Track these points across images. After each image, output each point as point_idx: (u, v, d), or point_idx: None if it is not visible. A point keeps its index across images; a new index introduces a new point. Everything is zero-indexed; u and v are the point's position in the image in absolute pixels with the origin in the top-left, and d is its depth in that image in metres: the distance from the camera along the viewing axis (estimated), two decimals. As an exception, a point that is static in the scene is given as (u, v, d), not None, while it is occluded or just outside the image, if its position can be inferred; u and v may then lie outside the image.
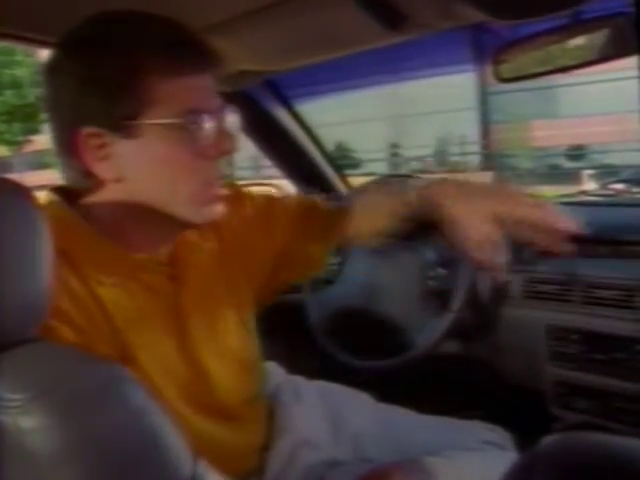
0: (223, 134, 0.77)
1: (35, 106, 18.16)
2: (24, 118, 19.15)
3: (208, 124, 0.75)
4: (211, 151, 0.76)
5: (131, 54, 0.72)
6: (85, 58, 0.73)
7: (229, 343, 0.91)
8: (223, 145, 0.77)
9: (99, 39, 0.73)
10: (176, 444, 0.53)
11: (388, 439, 1.10)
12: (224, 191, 0.82)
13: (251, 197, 1.03)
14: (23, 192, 0.56)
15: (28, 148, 20.60)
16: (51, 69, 0.76)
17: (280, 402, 1.10)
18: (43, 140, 18.50)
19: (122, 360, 0.74)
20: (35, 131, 19.57)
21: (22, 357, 0.53)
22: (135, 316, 0.78)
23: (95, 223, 0.78)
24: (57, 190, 0.81)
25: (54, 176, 0.84)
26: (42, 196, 0.76)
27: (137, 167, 0.75)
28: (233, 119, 0.81)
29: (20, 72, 18.42)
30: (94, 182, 0.76)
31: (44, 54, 1.03)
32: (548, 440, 0.39)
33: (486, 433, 1.10)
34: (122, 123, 0.72)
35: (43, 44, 1.13)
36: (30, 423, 0.48)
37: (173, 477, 0.50)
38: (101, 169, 0.74)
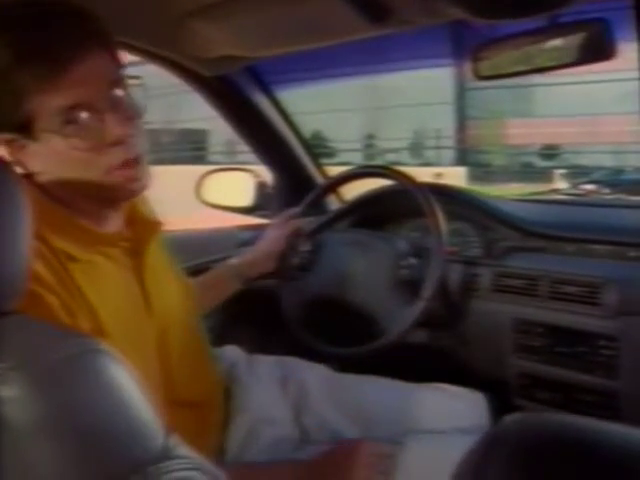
0: (113, 120, 0.78)
1: None
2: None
3: (87, 116, 0.76)
4: (105, 140, 0.78)
5: (5, 74, 0.73)
6: None
7: (184, 315, 0.98)
8: (114, 132, 0.78)
9: None
10: (148, 416, 0.53)
11: (349, 406, 1.11)
12: (143, 170, 0.84)
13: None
14: (2, 165, 0.57)
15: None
16: None
17: (236, 380, 1.11)
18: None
19: (98, 335, 0.75)
20: None
21: (1, 329, 0.53)
22: (106, 292, 0.80)
23: (58, 203, 0.81)
24: None
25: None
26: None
27: (49, 163, 0.79)
28: (124, 93, 0.81)
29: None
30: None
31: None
32: (509, 419, 0.40)
33: (453, 403, 1.15)
34: (22, 129, 0.76)
35: None
36: (8, 392, 0.49)
37: (144, 448, 0.50)
38: (28, 164, 0.79)
